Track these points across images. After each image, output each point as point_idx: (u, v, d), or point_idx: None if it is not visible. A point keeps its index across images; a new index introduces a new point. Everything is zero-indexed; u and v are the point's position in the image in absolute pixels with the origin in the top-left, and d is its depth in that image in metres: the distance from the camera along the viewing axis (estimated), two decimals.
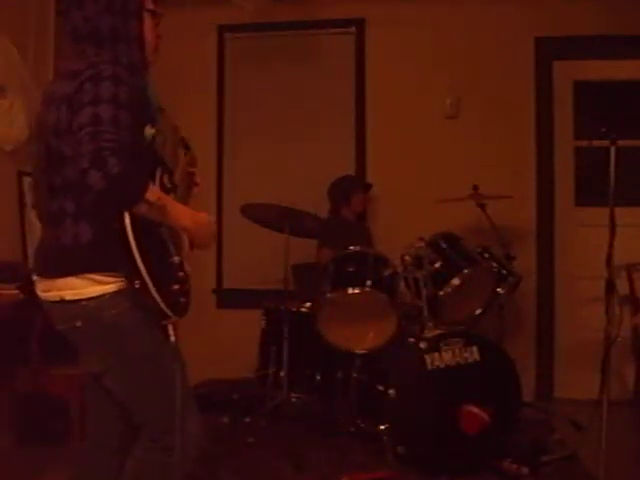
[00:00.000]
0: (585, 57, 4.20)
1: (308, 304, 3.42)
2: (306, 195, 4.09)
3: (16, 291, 2.84)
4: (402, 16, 4.30)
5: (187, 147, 2.09)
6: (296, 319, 3.33)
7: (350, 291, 3.15)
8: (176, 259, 1.73)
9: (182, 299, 1.73)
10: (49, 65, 3.74)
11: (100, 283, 1.64)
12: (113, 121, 1.54)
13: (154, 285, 1.58)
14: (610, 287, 2.57)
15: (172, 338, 1.73)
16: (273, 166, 4.44)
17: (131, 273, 1.57)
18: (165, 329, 1.72)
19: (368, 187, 4.11)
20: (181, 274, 1.74)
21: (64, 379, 3.00)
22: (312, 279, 3.50)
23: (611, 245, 2.54)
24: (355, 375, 3.25)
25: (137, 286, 1.57)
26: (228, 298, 4.52)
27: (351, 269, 3.23)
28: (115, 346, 1.71)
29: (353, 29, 4.40)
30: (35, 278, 1.77)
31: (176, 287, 1.70)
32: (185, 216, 1.70)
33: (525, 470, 2.74)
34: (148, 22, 1.83)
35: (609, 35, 4.04)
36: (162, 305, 1.61)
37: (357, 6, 4.35)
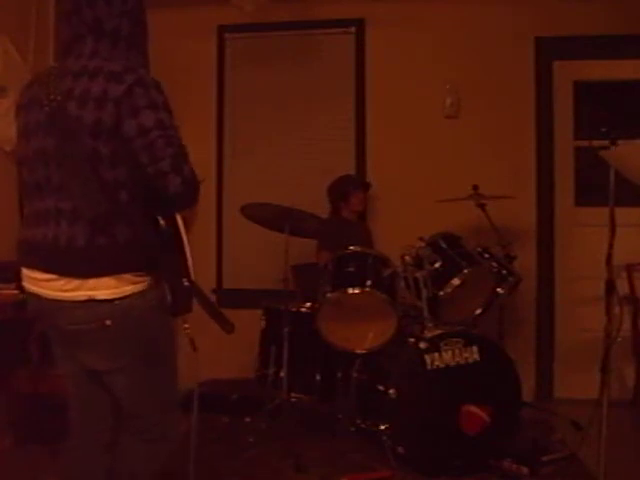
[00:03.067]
0: (585, 57, 4.20)
1: (308, 304, 3.42)
2: (306, 195, 4.10)
3: (16, 291, 2.84)
4: (402, 16, 4.30)
5: None
6: (296, 319, 3.33)
7: (350, 291, 3.14)
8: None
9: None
10: (49, 65, 3.73)
11: (132, 283, 1.69)
12: (173, 127, 1.65)
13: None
14: (610, 287, 2.57)
15: (188, 331, 1.82)
16: (273, 166, 4.44)
17: (179, 271, 1.67)
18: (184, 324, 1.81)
19: (367, 186, 4.11)
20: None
21: (64, 379, 3.00)
22: (312, 279, 3.50)
23: (611, 245, 2.54)
24: (355, 375, 3.25)
25: (186, 284, 1.67)
26: (228, 298, 4.51)
27: (351, 269, 3.22)
28: (142, 342, 1.75)
29: (353, 29, 4.40)
30: (46, 276, 1.70)
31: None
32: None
33: (525, 470, 2.75)
34: None
35: (609, 35, 4.04)
36: (207, 296, 1.75)
37: (357, 6, 4.35)
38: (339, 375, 3.32)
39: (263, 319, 3.54)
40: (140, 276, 1.69)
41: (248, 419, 3.36)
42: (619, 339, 2.60)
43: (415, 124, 4.30)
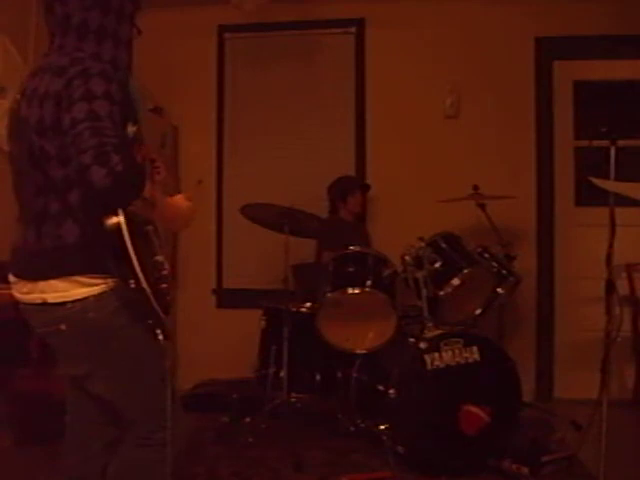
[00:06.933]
0: (585, 57, 4.20)
1: (308, 304, 3.42)
2: (306, 195, 4.09)
3: None
4: (402, 16, 4.31)
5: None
6: (296, 319, 3.33)
7: (350, 291, 3.14)
8: (160, 257, 1.71)
9: (168, 297, 1.70)
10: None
11: (85, 285, 1.61)
12: (110, 117, 1.52)
13: (148, 285, 1.56)
14: (610, 287, 2.57)
15: (161, 337, 1.69)
16: (273, 166, 4.44)
17: (125, 273, 1.54)
18: (153, 328, 1.68)
19: (366, 188, 4.11)
20: (165, 272, 1.72)
21: (64, 379, 3.00)
22: (312, 279, 3.50)
23: (611, 245, 2.54)
24: (355, 375, 3.25)
25: (132, 286, 1.54)
26: (228, 298, 4.52)
27: (351, 269, 3.22)
28: (102, 347, 1.68)
29: (353, 29, 4.41)
30: (13, 280, 1.73)
31: (164, 286, 1.67)
32: (169, 209, 1.71)
33: (525, 470, 2.74)
34: (133, 32, 1.82)
35: (609, 35, 4.05)
36: (155, 304, 1.59)
37: (357, 6, 4.35)
38: (339, 375, 3.32)
39: (263, 319, 3.53)
40: (96, 278, 1.61)
41: (248, 419, 3.35)
42: (619, 339, 2.60)
43: (415, 124, 4.30)
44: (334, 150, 4.40)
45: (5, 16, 3.41)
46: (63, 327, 1.64)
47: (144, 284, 1.54)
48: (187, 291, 4.45)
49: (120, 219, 1.51)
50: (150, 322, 1.66)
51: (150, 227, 1.69)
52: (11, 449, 3.06)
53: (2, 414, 3.11)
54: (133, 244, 1.53)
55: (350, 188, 3.99)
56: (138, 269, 1.53)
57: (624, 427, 3.30)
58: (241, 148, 4.51)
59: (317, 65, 4.45)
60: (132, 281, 1.54)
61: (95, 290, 1.62)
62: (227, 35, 4.53)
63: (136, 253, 1.53)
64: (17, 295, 1.73)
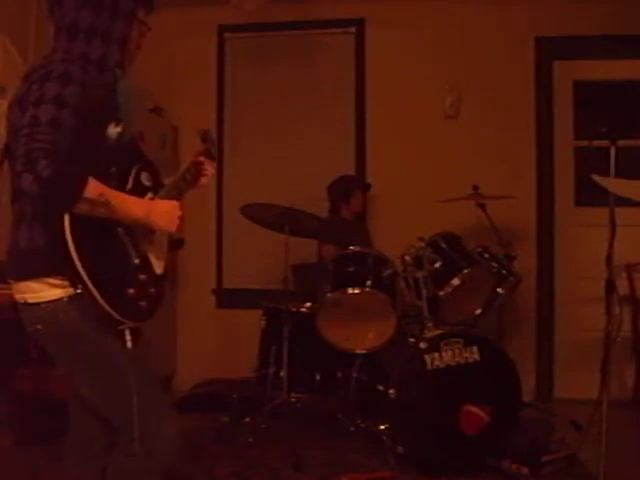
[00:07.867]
0: (585, 57, 4.21)
1: (308, 304, 3.42)
2: (306, 195, 4.09)
3: None
4: (402, 16, 4.31)
5: (204, 139, 2.08)
6: (296, 319, 3.32)
7: (350, 291, 3.14)
8: (136, 261, 1.68)
9: (141, 303, 1.66)
10: None
11: (56, 286, 1.62)
12: (51, 122, 1.51)
13: (99, 290, 1.53)
14: (610, 287, 2.57)
15: (129, 344, 1.66)
16: (273, 166, 4.44)
17: (72, 278, 1.54)
18: (122, 335, 1.66)
19: (367, 187, 4.12)
20: (142, 277, 1.68)
21: (64, 379, 3.00)
22: (312, 279, 3.50)
23: (611, 245, 2.54)
24: (355, 375, 3.25)
25: (79, 291, 1.54)
26: (228, 298, 4.52)
27: (351, 269, 3.22)
28: (72, 350, 1.69)
29: (353, 29, 4.41)
30: (9, 280, 1.75)
31: (131, 291, 1.63)
32: (135, 207, 1.65)
33: (525, 470, 2.74)
34: (135, 30, 1.79)
35: (609, 35, 4.05)
36: (109, 310, 1.56)
37: (357, 6, 4.35)
38: (339, 375, 3.32)
39: (263, 319, 3.53)
40: (67, 280, 1.61)
41: (248, 419, 3.35)
42: (619, 339, 2.60)
43: (415, 124, 4.30)
44: (334, 150, 4.41)
45: (5, 16, 3.41)
46: (39, 327, 1.66)
47: (93, 290, 1.53)
48: (187, 291, 4.45)
49: (64, 223, 1.51)
50: (120, 328, 1.64)
51: (121, 229, 1.65)
52: (11, 449, 3.06)
53: (2, 414, 3.11)
54: (84, 247, 1.52)
55: (352, 187, 4.00)
56: (83, 274, 1.51)
57: (624, 427, 3.31)
58: (241, 148, 4.51)
59: (317, 65, 4.46)
60: (80, 286, 1.54)
61: (68, 292, 1.62)
62: (227, 35, 4.53)
63: (87, 257, 1.52)
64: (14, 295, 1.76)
